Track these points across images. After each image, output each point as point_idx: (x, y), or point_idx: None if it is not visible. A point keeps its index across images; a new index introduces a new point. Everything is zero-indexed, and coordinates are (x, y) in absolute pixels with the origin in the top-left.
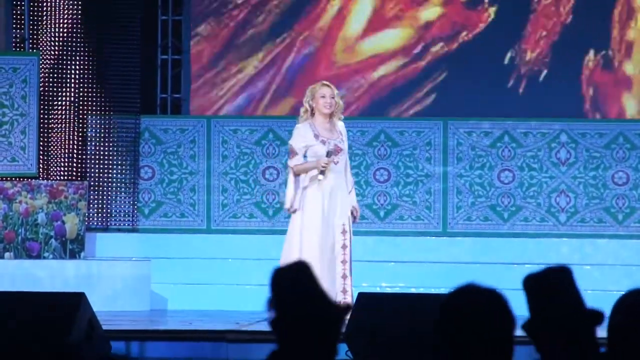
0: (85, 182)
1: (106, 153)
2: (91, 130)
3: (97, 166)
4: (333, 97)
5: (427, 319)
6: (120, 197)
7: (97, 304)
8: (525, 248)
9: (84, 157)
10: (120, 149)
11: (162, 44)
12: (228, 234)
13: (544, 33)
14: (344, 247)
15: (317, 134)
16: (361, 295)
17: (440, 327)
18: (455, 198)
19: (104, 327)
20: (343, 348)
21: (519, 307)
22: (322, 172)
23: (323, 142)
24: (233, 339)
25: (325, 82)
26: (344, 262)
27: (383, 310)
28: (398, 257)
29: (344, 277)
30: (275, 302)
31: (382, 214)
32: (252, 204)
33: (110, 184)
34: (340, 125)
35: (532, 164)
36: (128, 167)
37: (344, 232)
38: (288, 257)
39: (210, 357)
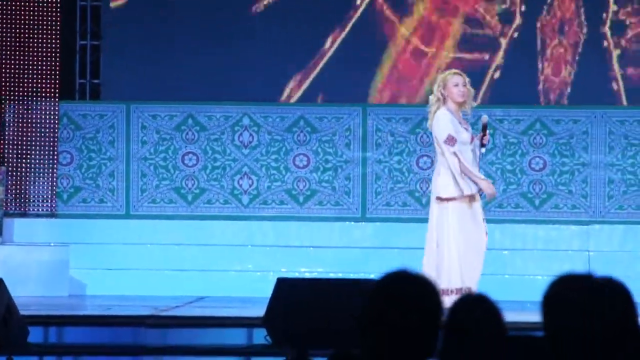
0: (3, 168)
1: (24, 138)
2: (9, 116)
3: (15, 151)
4: (465, 85)
5: (345, 303)
6: (39, 183)
7: (15, 289)
8: None
9: (1, 142)
10: (38, 134)
11: (80, 29)
12: (147, 219)
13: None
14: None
15: (459, 121)
16: (280, 281)
17: (369, 311)
18: (374, 184)
19: (22, 313)
20: (262, 333)
21: None
22: (483, 145)
23: (465, 129)
24: (152, 324)
25: (456, 70)
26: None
27: (302, 295)
28: (317, 243)
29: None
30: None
31: (301, 199)
32: (172, 190)
33: (28, 170)
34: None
35: None
36: (46, 153)
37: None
38: (448, 253)
39: (129, 342)
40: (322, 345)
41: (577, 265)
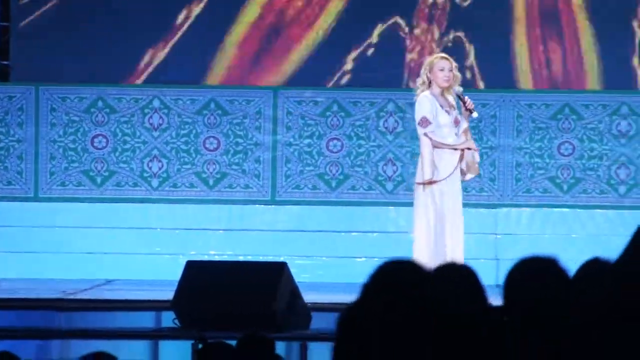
0: None
1: None
2: None
3: None
4: (451, 70)
5: (255, 286)
6: None
7: None
8: (352, 215)
9: None
10: None
11: None
12: (56, 202)
13: None
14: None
15: (441, 104)
16: (189, 264)
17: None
18: (284, 167)
19: None
20: (170, 316)
21: (351, 273)
22: (471, 112)
23: (447, 112)
24: (61, 307)
25: (443, 54)
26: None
27: (211, 278)
28: (227, 225)
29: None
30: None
31: (211, 182)
32: (81, 172)
33: None
34: (451, 97)
35: (361, 133)
36: None
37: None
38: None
39: (39, 326)
40: (232, 328)
41: (484, 248)
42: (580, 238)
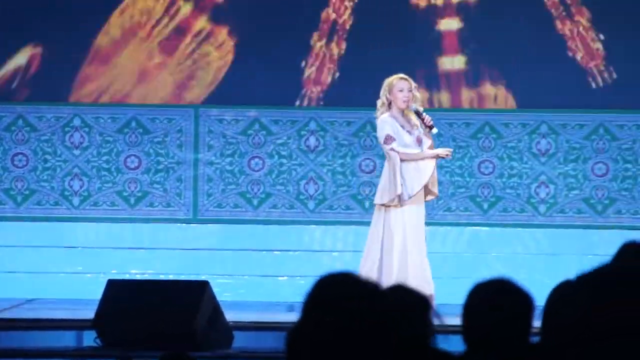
0: None
1: None
2: None
3: None
4: (410, 91)
5: (176, 305)
6: None
7: None
8: (274, 234)
9: None
10: None
11: None
12: None
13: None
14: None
15: (402, 125)
16: (110, 282)
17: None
18: (206, 185)
19: None
20: (92, 335)
21: (273, 292)
22: (430, 128)
23: (409, 132)
24: None
25: (402, 75)
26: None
27: (133, 297)
28: (148, 244)
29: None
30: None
31: (132, 200)
32: (1, 191)
33: None
34: (413, 116)
35: (282, 152)
36: None
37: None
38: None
39: None
40: (154, 347)
41: None
42: (500, 257)
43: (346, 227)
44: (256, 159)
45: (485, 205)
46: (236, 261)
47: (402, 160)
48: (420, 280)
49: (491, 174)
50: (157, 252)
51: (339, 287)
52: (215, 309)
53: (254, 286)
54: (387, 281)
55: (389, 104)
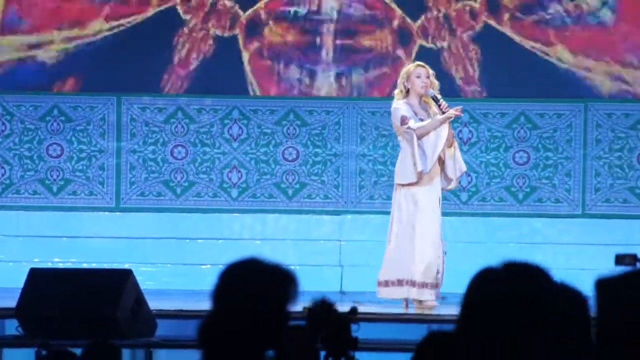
0: None
1: None
2: None
3: None
4: (428, 77)
5: (98, 293)
6: None
7: None
8: (197, 222)
9: None
10: None
11: None
12: None
13: None
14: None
15: (416, 112)
16: (33, 271)
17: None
18: (129, 173)
19: None
20: (14, 323)
21: (196, 280)
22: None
23: (421, 120)
24: None
25: (419, 62)
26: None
27: (56, 286)
28: (71, 232)
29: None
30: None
31: (55, 189)
32: None
33: None
34: (432, 104)
35: (205, 140)
36: None
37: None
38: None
39: None
40: (77, 335)
41: (329, 255)
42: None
43: (269, 215)
44: (179, 147)
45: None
46: (159, 249)
47: (419, 138)
48: (429, 264)
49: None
50: (80, 240)
51: (244, 274)
52: (139, 297)
53: (177, 274)
54: (404, 265)
55: (407, 91)
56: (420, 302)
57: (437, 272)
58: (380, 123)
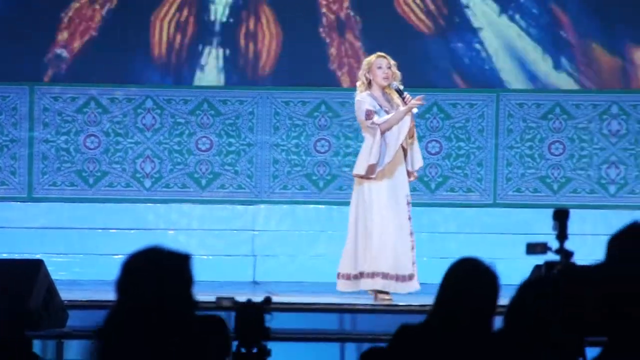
0: None
1: None
2: None
3: None
4: (389, 68)
5: (11, 283)
6: None
7: None
8: (110, 212)
9: None
10: None
11: None
12: None
13: None
14: (409, 218)
15: (380, 104)
16: None
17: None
18: (41, 164)
19: None
20: None
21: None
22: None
23: (386, 112)
24: None
25: (380, 53)
26: (411, 234)
27: None
28: None
29: (413, 249)
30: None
31: None
32: None
33: None
34: (395, 95)
35: (119, 130)
36: None
37: (408, 203)
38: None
39: None
40: None
41: (242, 245)
42: (335, 234)
43: (182, 205)
44: (92, 137)
45: (322, 184)
46: (71, 240)
47: (382, 133)
48: (400, 260)
49: (327, 152)
50: None
51: (145, 262)
52: (50, 288)
53: (89, 265)
54: (363, 262)
55: (369, 83)
56: (380, 292)
57: (413, 264)
58: (294, 113)
